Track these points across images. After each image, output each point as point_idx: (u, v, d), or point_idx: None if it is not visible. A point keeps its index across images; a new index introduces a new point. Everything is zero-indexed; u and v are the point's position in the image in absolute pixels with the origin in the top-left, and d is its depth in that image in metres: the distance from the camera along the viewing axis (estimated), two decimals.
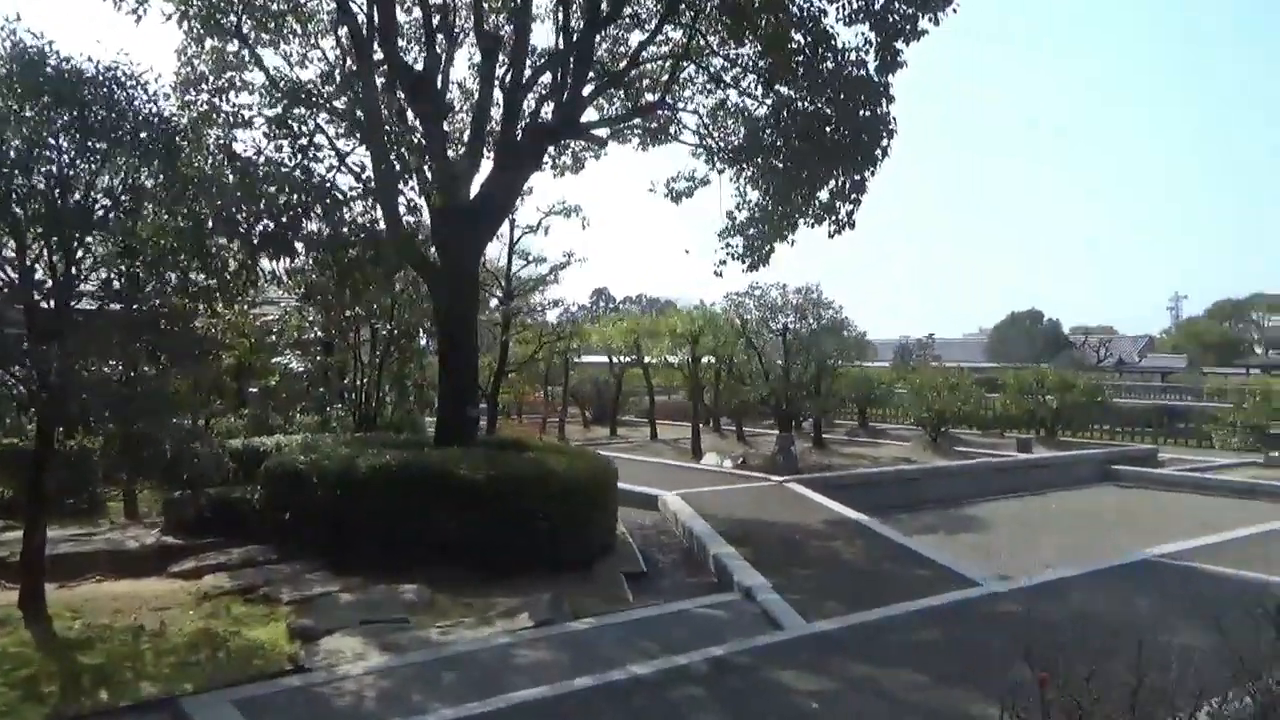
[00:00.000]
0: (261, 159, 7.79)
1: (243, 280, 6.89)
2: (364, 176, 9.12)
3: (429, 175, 9.68)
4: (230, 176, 6.94)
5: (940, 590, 8.16)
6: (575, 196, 14.98)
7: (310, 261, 8.03)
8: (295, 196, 7.08)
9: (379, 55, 9.90)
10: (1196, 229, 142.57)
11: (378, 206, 8.70)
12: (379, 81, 9.95)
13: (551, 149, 13.69)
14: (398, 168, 8.84)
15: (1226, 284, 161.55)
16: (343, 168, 8.96)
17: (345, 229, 7.64)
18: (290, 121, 8.40)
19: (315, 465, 9.37)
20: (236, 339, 13.66)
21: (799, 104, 11.76)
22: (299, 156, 7.93)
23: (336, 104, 9.91)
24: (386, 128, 9.38)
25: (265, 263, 7.32)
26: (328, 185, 7.43)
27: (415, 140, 9.06)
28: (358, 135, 9.33)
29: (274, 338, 13.26)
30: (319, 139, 8.76)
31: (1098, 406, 23.12)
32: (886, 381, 23.19)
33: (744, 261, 12.49)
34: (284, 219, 6.86)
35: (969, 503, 16.59)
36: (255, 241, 6.88)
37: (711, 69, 14.04)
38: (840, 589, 8.36)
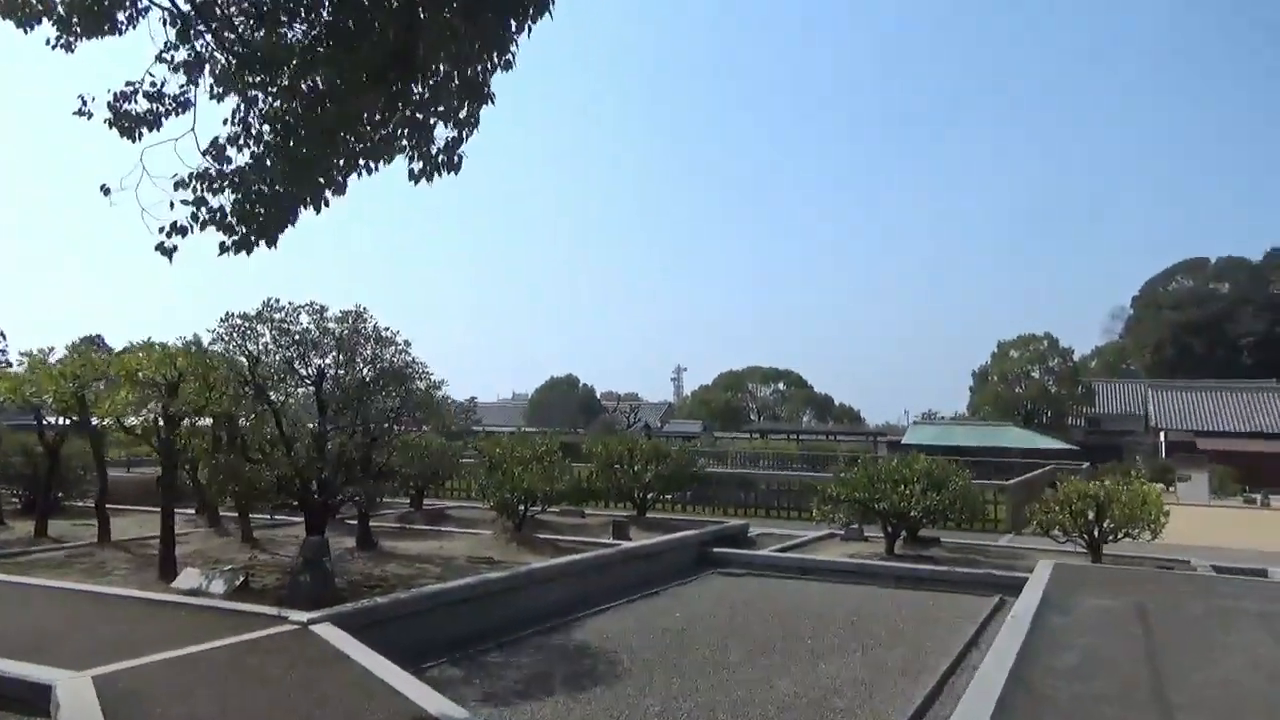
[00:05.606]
0: None
1: None
2: None
3: None
4: None
5: None
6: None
7: None
8: None
9: None
10: (700, 306, 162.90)
11: None
12: None
13: None
14: None
15: (726, 356, 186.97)
16: None
17: None
18: None
19: None
20: None
21: None
22: None
23: None
24: None
25: None
26: None
27: None
28: None
29: None
30: None
31: (690, 477, 20.58)
32: (454, 452, 18.10)
33: (231, 231, 6.45)
34: None
35: (575, 619, 12.15)
36: None
37: None
38: None
